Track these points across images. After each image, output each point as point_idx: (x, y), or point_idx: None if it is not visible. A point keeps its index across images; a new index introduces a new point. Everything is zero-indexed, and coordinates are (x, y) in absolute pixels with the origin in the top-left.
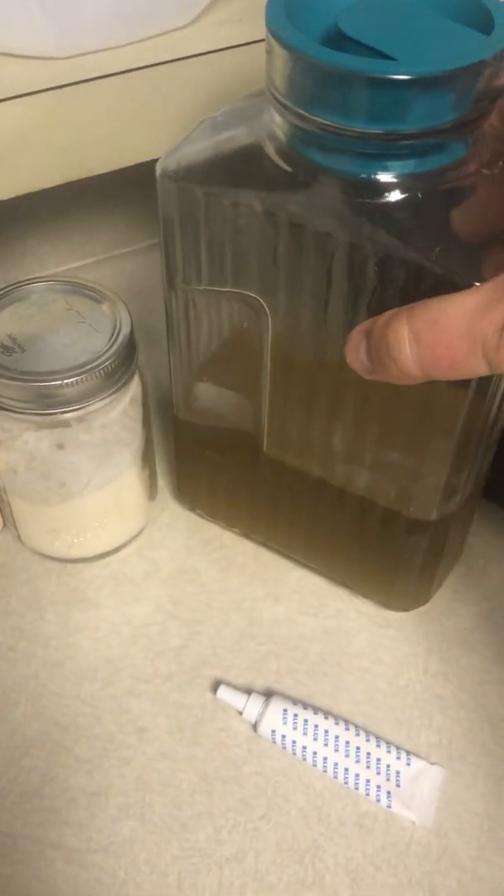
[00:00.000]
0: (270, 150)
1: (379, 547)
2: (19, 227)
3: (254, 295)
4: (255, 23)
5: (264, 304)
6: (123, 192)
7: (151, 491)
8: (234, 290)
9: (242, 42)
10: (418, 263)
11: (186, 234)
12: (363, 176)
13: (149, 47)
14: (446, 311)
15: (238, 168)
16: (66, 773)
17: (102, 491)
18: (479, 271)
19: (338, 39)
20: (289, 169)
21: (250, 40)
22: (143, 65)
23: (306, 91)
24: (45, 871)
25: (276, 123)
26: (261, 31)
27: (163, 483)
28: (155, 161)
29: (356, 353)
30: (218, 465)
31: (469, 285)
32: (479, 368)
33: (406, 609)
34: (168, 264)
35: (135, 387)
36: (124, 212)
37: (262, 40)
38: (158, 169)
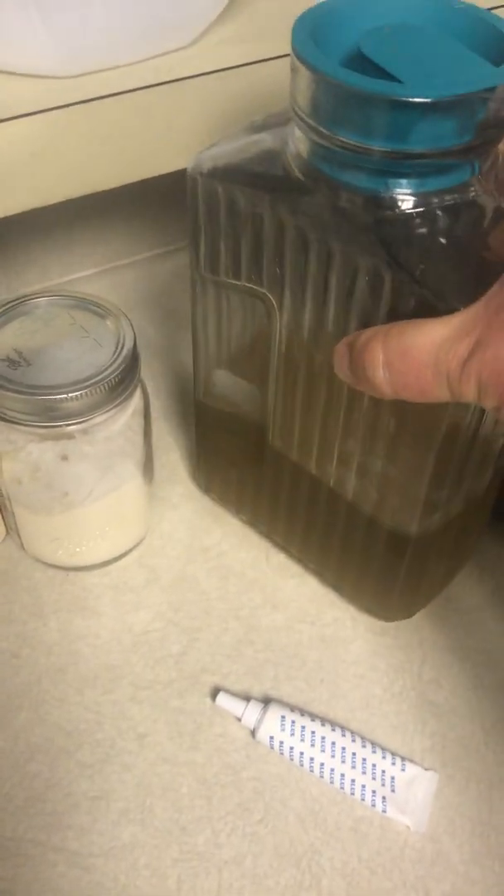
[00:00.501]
0: (288, 156)
1: (363, 555)
2: (23, 237)
3: (264, 291)
4: (257, 43)
5: (273, 301)
6: (125, 205)
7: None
8: (247, 284)
9: (243, 62)
10: (401, 279)
11: (209, 228)
12: (363, 190)
13: (151, 67)
14: (416, 342)
15: (257, 171)
16: (69, 778)
17: (104, 501)
18: (459, 297)
19: (359, 61)
20: (300, 177)
21: (251, 60)
22: (145, 84)
23: (308, 101)
24: (47, 874)
25: (294, 132)
26: (262, 51)
27: (167, 487)
28: (157, 177)
29: (341, 365)
30: (230, 451)
31: (443, 307)
32: (444, 396)
33: (389, 619)
34: (194, 254)
35: (137, 400)
36: (126, 224)
37: (264, 60)
38: (190, 164)
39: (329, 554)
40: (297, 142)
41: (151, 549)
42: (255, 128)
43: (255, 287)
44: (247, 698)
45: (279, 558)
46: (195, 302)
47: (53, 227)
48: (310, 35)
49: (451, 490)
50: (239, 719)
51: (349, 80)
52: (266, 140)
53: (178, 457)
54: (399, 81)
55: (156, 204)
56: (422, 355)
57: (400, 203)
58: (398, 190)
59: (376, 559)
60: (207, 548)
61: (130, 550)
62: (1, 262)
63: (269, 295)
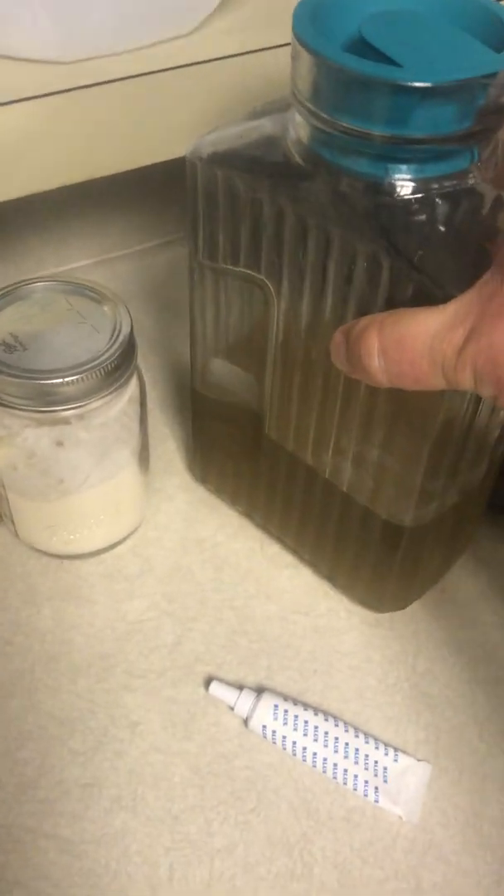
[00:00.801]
0: (288, 142)
1: (357, 546)
2: (20, 226)
3: (262, 278)
4: (256, 32)
5: (271, 288)
6: (122, 196)
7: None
8: (245, 270)
9: (243, 51)
10: (400, 266)
11: (208, 214)
12: (363, 175)
13: (151, 54)
14: (411, 331)
15: (257, 156)
16: (61, 765)
17: (100, 488)
18: (457, 284)
19: (360, 46)
20: (300, 163)
21: (250, 50)
22: (144, 71)
23: (309, 86)
24: (38, 860)
25: (294, 117)
26: (261, 40)
27: (163, 478)
28: (155, 165)
29: (337, 354)
30: (227, 441)
31: (441, 294)
32: (440, 385)
33: (382, 611)
34: (192, 241)
35: (133, 386)
36: (122, 215)
37: (262, 50)
38: (189, 149)
39: (324, 545)
40: (298, 127)
41: (146, 540)
42: (255, 114)
43: (253, 273)
44: (240, 687)
45: (274, 549)
46: (193, 289)
47: (50, 217)
48: (311, 20)
49: (447, 480)
50: (232, 708)
51: (349, 63)
52: (266, 126)
53: (173, 448)
54: (399, 66)
55: (152, 195)
56: (417, 344)
57: (399, 189)
58: (397, 176)
59: (371, 550)
60: (202, 539)
61: (125, 539)
62: None
63: (268, 282)
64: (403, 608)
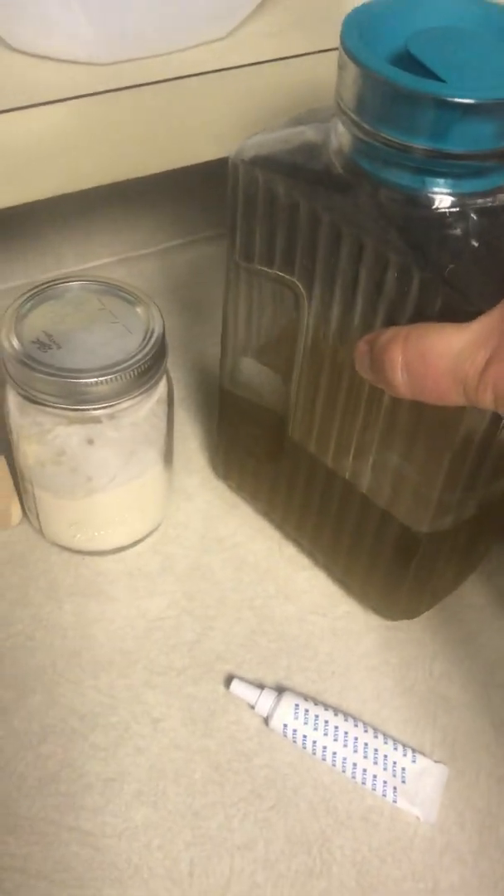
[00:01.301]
0: (329, 151)
1: (372, 552)
2: (41, 223)
3: (295, 281)
4: (290, 37)
5: (303, 292)
6: (145, 194)
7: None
8: (279, 273)
9: (277, 56)
10: (430, 278)
11: (246, 215)
12: (400, 187)
13: (185, 58)
14: (435, 348)
15: (298, 162)
16: (83, 760)
17: (126, 487)
18: (486, 300)
19: (406, 61)
20: (340, 171)
21: (285, 55)
22: (179, 75)
23: (353, 97)
24: (60, 852)
25: (337, 127)
26: (296, 46)
27: (183, 477)
28: (185, 168)
29: (362, 362)
30: (250, 439)
31: (469, 310)
32: (461, 402)
33: (394, 619)
34: (230, 241)
35: (162, 387)
36: (145, 214)
37: (297, 56)
38: (233, 151)
39: (339, 548)
40: (340, 136)
41: (166, 538)
42: (299, 120)
43: (286, 276)
44: (260, 686)
45: (291, 550)
46: (228, 288)
47: (72, 214)
48: (359, 32)
49: (465, 493)
50: (252, 707)
51: (393, 76)
52: (309, 133)
53: (194, 447)
54: (443, 81)
55: (175, 194)
56: (440, 361)
57: (435, 202)
58: (434, 189)
59: (385, 557)
60: (222, 538)
61: (146, 537)
62: (18, 249)
63: (300, 285)
64: (414, 617)
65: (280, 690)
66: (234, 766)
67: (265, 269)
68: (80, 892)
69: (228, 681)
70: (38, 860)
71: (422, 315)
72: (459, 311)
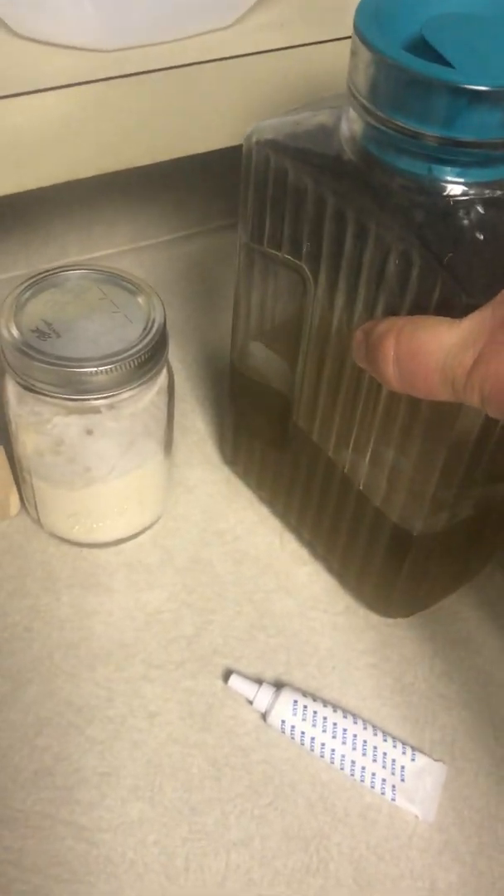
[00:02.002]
0: (340, 136)
1: (367, 546)
2: (46, 213)
3: (302, 264)
4: (296, 27)
5: (309, 276)
6: (149, 185)
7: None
8: (286, 256)
9: (282, 46)
10: (429, 265)
11: (256, 197)
12: (408, 174)
13: (190, 46)
14: (426, 345)
15: (309, 147)
16: (78, 753)
17: (125, 478)
18: (484, 291)
19: (422, 47)
20: (350, 157)
21: (290, 45)
22: (183, 63)
23: (366, 82)
24: (55, 846)
25: (349, 112)
26: (300, 36)
27: (184, 470)
28: (189, 157)
29: (358, 351)
30: (258, 424)
31: (466, 301)
32: (450, 399)
33: (388, 616)
34: (241, 223)
35: (163, 378)
36: (147, 206)
37: (301, 45)
38: (247, 132)
39: (336, 541)
40: (351, 123)
41: (166, 531)
42: (314, 105)
43: (293, 260)
44: (259, 681)
45: (293, 546)
46: (239, 270)
47: (74, 204)
48: (373, 17)
49: (461, 491)
50: (251, 702)
51: (401, 60)
52: (321, 118)
53: (195, 440)
54: (453, 67)
55: (179, 185)
56: (430, 359)
57: (441, 190)
58: (441, 177)
59: (379, 553)
60: (222, 531)
61: (145, 530)
62: (20, 238)
63: (306, 269)
64: (407, 616)
65: (279, 686)
66: (232, 762)
67: (274, 252)
68: (75, 887)
69: (227, 675)
70: (32, 854)
71: (420, 305)
72: (457, 303)
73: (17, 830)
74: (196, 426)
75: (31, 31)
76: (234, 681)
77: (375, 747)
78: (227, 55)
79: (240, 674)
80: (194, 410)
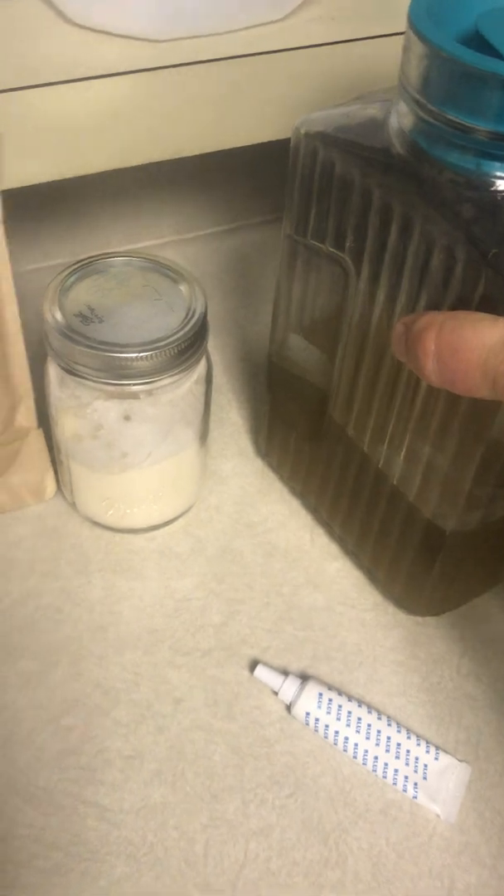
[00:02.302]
0: (390, 130)
1: (399, 543)
2: (91, 203)
3: (345, 257)
4: (347, 22)
5: (352, 268)
6: (195, 178)
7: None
8: (330, 249)
9: (333, 40)
10: (474, 260)
11: (303, 189)
12: (457, 168)
13: (242, 38)
14: (468, 342)
15: (358, 139)
16: (104, 735)
17: (161, 465)
18: None
19: (476, 41)
20: (399, 150)
21: (339, 39)
22: (235, 54)
23: (418, 76)
24: (77, 825)
25: (400, 106)
26: (351, 31)
27: (218, 461)
28: (235, 150)
29: (398, 344)
30: (294, 416)
31: None
32: (490, 397)
33: (417, 614)
34: (287, 214)
35: (202, 367)
36: (192, 198)
37: (353, 41)
38: (296, 124)
39: (367, 536)
40: (401, 117)
41: (198, 520)
42: (362, 99)
43: (336, 252)
44: (285, 673)
45: (323, 541)
46: (282, 262)
47: (120, 194)
48: (427, 11)
49: (496, 490)
50: (276, 693)
51: (458, 54)
52: (371, 111)
53: (230, 431)
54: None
55: (223, 179)
56: (472, 356)
57: (489, 186)
58: (490, 172)
59: (410, 550)
60: (254, 524)
61: (177, 518)
62: (65, 226)
63: (349, 261)
64: (438, 615)
65: (304, 678)
66: (255, 751)
67: (318, 244)
68: (94, 866)
69: (253, 665)
70: (54, 831)
71: (463, 301)
72: (500, 300)
73: (39, 808)
74: (232, 418)
75: (86, 20)
76: (260, 671)
77: (399, 744)
78: (277, 48)
79: (266, 664)
80: (230, 402)
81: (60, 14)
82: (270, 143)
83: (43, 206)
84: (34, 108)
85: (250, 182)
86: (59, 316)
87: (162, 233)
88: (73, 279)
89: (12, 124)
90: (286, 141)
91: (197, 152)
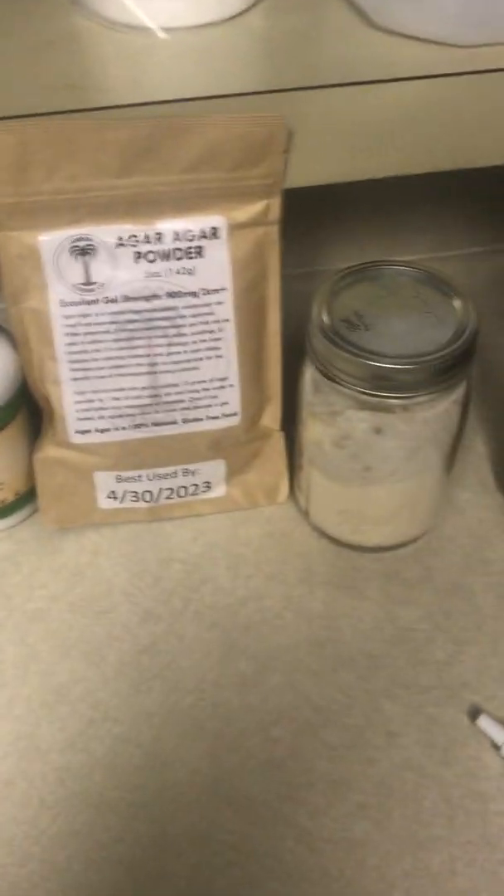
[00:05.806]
0: None
1: None
2: (350, 215)
3: None
4: None
5: None
6: (464, 193)
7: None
8: None
9: None
10: None
11: None
12: None
13: None
14: None
15: None
16: (311, 755)
17: (403, 484)
18: None
19: None
20: None
21: None
22: None
23: None
24: (275, 842)
25: None
26: None
27: (456, 490)
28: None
29: None
30: None
31: None
32: None
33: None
34: None
35: (462, 389)
36: (454, 215)
37: None
38: None
39: None
40: None
41: (429, 548)
42: None
43: None
44: None
45: None
46: None
47: (381, 206)
48: None
49: None
50: (497, 747)
51: None
52: None
53: (473, 459)
54: None
55: (492, 196)
56: None
57: None
58: None
59: None
60: (489, 561)
61: (409, 542)
62: (324, 235)
63: None
64: None
65: None
66: (468, 805)
67: None
68: (285, 889)
69: (473, 712)
70: (253, 842)
71: None
72: None
73: (240, 813)
74: (476, 446)
75: (390, 23)
76: (484, 721)
77: None
78: None
79: (490, 715)
80: (478, 430)
81: (365, 18)
82: None
83: (304, 212)
84: (327, 107)
85: None
86: (326, 318)
87: (417, 249)
88: (344, 283)
89: (304, 123)
90: None
91: (485, 164)
